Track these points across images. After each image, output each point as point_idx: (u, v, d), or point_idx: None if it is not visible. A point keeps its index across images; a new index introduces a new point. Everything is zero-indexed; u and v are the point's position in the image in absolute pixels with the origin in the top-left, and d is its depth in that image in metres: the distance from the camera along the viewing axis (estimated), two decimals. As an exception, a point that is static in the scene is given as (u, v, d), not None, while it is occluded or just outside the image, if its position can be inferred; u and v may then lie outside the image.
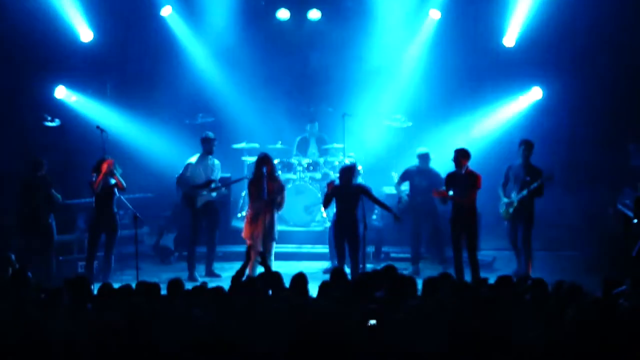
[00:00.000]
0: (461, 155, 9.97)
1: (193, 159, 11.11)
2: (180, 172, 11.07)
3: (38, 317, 5.92)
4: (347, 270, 9.70)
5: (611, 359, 5.26)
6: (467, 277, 9.75)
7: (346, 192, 10.10)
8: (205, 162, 11.13)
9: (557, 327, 5.57)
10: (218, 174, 11.28)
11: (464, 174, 9.95)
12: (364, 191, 10.13)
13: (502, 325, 5.67)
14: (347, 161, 12.12)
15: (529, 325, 5.66)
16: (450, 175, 10.10)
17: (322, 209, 12.70)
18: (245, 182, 11.28)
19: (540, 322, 5.73)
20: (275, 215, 10.38)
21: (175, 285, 6.91)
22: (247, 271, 8.03)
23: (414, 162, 11.48)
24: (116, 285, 6.98)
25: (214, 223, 11.22)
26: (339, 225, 10.16)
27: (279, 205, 10.40)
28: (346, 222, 10.05)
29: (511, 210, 10.61)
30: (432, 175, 11.31)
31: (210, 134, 11.21)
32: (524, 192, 10.42)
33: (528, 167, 10.56)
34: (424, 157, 11.39)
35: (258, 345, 5.56)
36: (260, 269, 9.17)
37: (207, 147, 11.11)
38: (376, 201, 10.26)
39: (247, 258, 8.25)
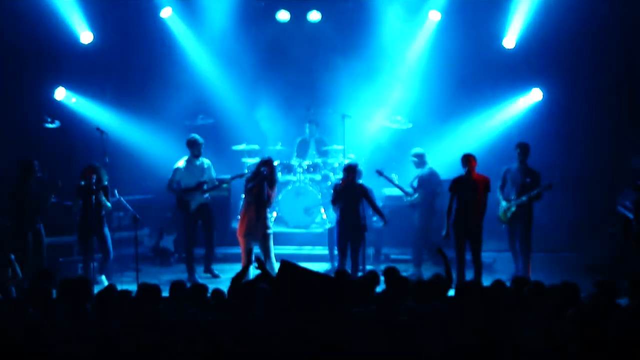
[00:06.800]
0: (473, 158, 9.92)
1: (180, 163, 11.06)
2: (170, 177, 11.04)
3: (39, 318, 5.92)
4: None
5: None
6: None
7: (350, 190, 10.12)
8: (194, 165, 11.09)
9: (555, 329, 5.58)
10: (212, 173, 11.26)
11: (472, 177, 9.89)
12: (365, 192, 10.15)
13: (500, 327, 5.68)
14: (346, 161, 12.09)
15: (527, 327, 5.66)
16: (457, 180, 9.98)
17: (322, 210, 12.70)
18: (244, 181, 11.22)
19: (538, 323, 5.74)
20: (268, 214, 10.41)
21: (177, 287, 6.91)
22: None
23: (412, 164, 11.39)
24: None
25: (210, 224, 11.20)
26: (343, 225, 10.14)
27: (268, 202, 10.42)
28: (350, 222, 10.05)
29: (509, 214, 10.62)
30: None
31: (199, 138, 11.12)
32: (523, 198, 10.42)
33: (525, 170, 10.55)
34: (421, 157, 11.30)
35: (257, 344, 5.57)
36: (255, 272, 9.15)
37: (196, 151, 11.05)
38: (372, 204, 10.27)
39: (247, 261, 8.26)
